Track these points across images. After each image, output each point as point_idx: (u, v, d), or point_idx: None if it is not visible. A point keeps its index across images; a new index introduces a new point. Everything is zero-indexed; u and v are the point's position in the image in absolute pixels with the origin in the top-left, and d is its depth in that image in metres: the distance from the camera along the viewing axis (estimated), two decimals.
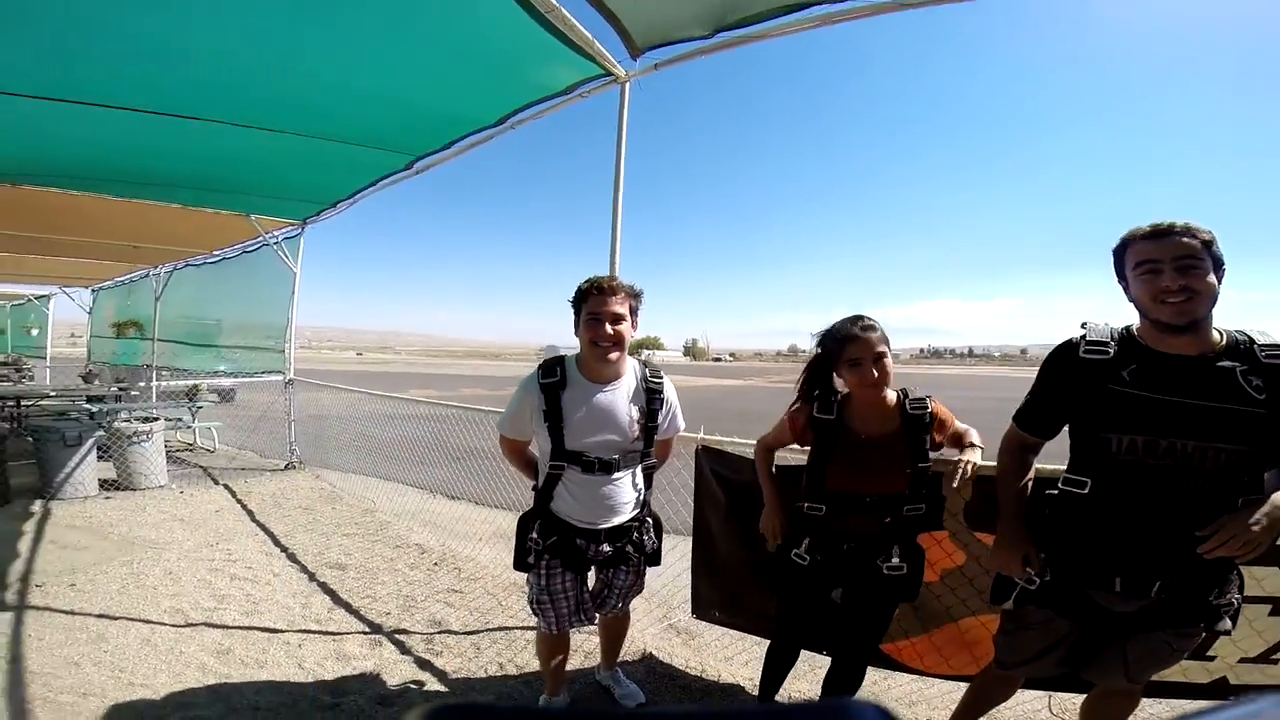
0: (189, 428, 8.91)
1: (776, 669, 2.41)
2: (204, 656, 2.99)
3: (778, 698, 2.46)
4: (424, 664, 3.00)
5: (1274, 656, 2.23)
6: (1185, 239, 1.59)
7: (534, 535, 2.35)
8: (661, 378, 2.42)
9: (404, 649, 3.14)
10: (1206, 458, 1.59)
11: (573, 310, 2.27)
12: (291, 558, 4.45)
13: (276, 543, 4.77)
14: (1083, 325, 1.80)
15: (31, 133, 4.03)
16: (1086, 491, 1.75)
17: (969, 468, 2.03)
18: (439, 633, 3.31)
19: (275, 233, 7.41)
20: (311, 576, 4.10)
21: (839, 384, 2.16)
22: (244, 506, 5.77)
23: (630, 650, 3.06)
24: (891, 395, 2.10)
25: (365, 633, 3.32)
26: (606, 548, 2.37)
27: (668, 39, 2.98)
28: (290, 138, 4.16)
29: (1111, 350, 1.71)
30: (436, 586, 3.96)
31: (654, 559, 2.55)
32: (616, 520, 2.35)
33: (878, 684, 2.80)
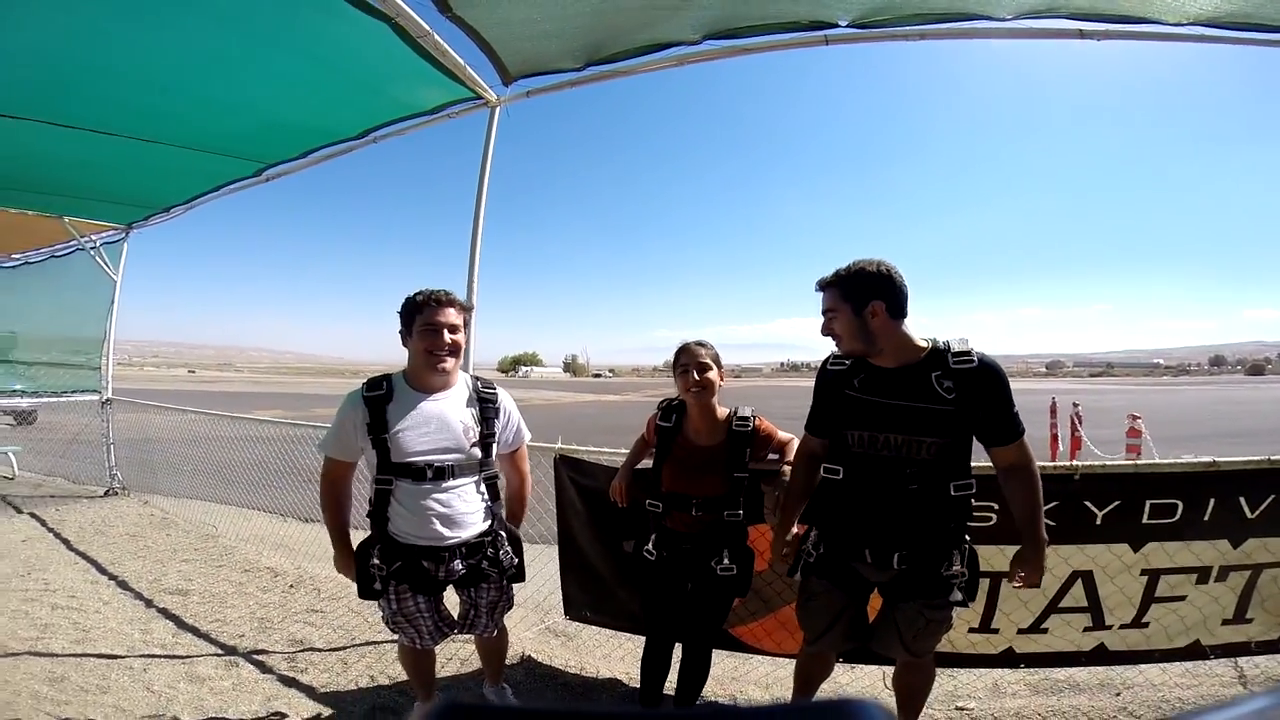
0: None
1: (654, 666, 2.63)
2: (36, 685, 2.83)
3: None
4: (288, 681, 3.01)
5: (1043, 626, 2.75)
6: (828, 290, 2.08)
7: (375, 561, 2.27)
8: (495, 388, 2.46)
9: (264, 668, 3.12)
10: (913, 448, 1.99)
11: (401, 322, 2.29)
12: (122, 585, 4.20)
13: (103, 570, 4.47)
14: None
15: None
16: (841, 478, 2.14)
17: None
18: (302, 650, 3.31)
19: (92, 236, 6.77)
20: (149, 603, 3.91)
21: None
22: (57, 535, 5.32)
23: (509, 654, 3.16)
24: (723, 411, 2.51)
25: (218, 655, 3.25)
26: (459, 566, 2.31)
27: (541, 69, 3.29)
28: (120, 140, 3.90)
29: (848, 363, 2.14)
30: (294, 608, 3.91)
31: (517, 576, 2.50)
32: (462, 535, 2.30)
33: (737, 668, 3.10)
